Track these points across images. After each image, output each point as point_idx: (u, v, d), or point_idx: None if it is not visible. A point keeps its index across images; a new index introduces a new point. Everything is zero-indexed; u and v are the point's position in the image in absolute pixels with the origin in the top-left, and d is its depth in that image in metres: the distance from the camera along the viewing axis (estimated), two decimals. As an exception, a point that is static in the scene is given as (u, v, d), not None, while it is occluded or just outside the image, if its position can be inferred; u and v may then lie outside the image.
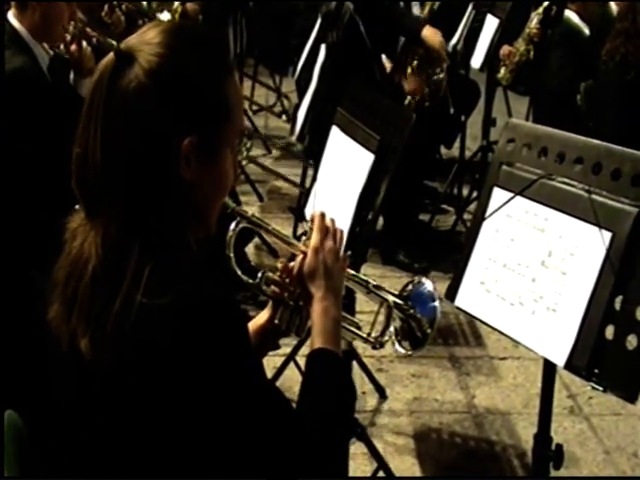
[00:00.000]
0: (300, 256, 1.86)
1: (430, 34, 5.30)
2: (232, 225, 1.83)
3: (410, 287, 2.08)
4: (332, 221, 1.91)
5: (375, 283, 2.07)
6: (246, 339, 1.56)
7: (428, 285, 2.08)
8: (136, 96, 1.52)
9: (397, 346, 2.07)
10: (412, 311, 2.05)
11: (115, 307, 1.49)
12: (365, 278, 2.07)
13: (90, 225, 1.57)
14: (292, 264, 1.88)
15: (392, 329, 2.05)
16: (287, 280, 1.89)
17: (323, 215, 1.91)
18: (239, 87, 1.67)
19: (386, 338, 2.06)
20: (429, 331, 2.04)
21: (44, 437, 1.80)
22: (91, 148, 1.54)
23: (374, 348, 2.08)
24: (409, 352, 2.08)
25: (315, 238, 1.86)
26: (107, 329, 1.50)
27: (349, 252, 1.95)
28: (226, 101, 1.60)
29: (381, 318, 2.06)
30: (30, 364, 1.82)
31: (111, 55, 1.56)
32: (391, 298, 2.04)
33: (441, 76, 5.53)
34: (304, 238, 1.88)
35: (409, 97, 5.36)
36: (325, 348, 1.76)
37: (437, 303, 2.06)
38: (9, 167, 3.26)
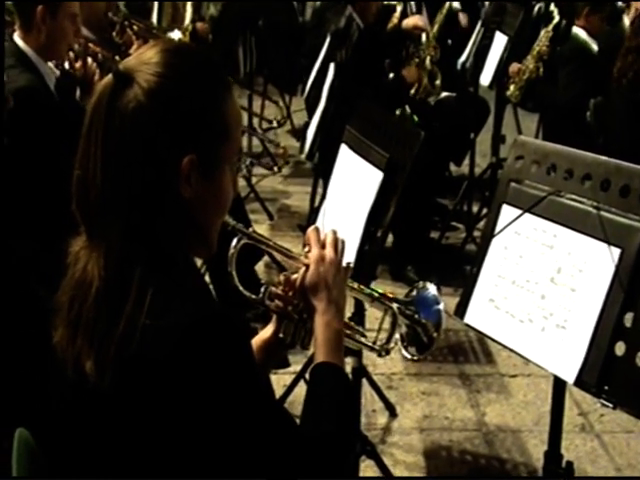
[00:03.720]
0: (302, 269, 1.87)
1: (406, 21, 5.65)
2: (233, 242, 1.84)
3: (414, 292, 2.09)
4: (334, 232, 1.91)
5: (378, 291, 2.08)
6: (249, 356, 1.57)
7: (431, 289, 2.09)
8: (135, 116, 1.52)
9: (404, 352, 2.07)
10: (417, 316, 2.06)
11: (119, 329, 1.50)
12: (368, 287, 2.08)
13: (92, 247, 1.58)
14: (294, 277, 1.88)
15: (398, 336, 2.06)
16: (290, 294, 1.89)
17: (316, 229, 1.91)
18: (237, 105, 1.67)
19: (392, 345, 2.06)
20: (435, 335, 2.05)
21: (51, 456, 1.80)
22: (91, 170, 1.54)
23: (380, 355, 2.09)
24: (415, 357, 2.09)
25: (314, 251, 1.86)
26: (111, 351, 1.50)
27: (351, 263, 1.94)
28: (225, 119, 1.61)
29: (387, 326, 2.07)
30: (39, 381, 1.83)
31: (110, 76, 1.57)
32: (395, 305, 2.05)
33: (432, 53, 5.79)
34: (305, 250, 1.89)
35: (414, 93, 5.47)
36: (327, 362, 1.77)
37: (441, 306, 2.07)
38: (18, 183, 3.27)
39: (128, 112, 1.53)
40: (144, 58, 1.58)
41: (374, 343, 2.09)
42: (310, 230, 1.92)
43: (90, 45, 3.95)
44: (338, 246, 1.90)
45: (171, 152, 1.54)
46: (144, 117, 1.53)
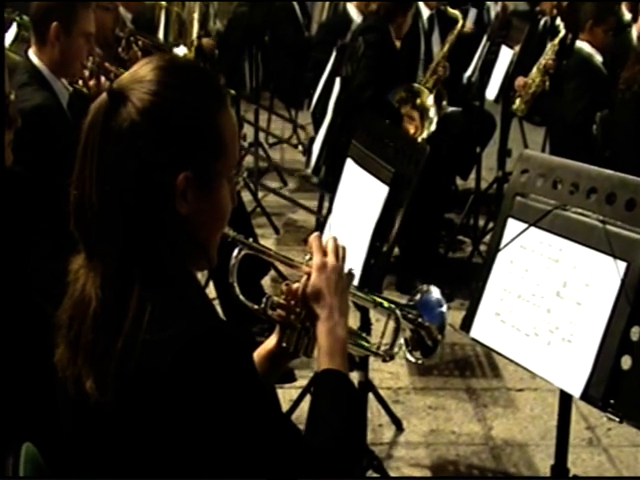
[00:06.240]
0: (304, 277, 1.86)
1: None
2: (234, 252, 1.84)
3: (417, 296, 2.09)
4: (334, 239, 1.91)
5: (381, 296, 2.08)
6: (250, 368, 1.57)
7: (434, 292, 2.09)
8: (129, 135, 1.53)
9: (408, 356, 2.08)
10: (420, 320, 2.06)
11: (118, 347, 1.50)
12: (370, 293, 2.08)
13: (90, 267, 1.58)
14: (296, 286, 1.88)
15: (402, 340, 2.06)
16: (292, 302, 1.89)
17: (318, 236, 1.91)
18: (233, 118, 1.67)
19: (396, 350, 2.06)
20: (439, 338, 2.05)
21: (57, 470, 1.80)
22: (87, 189, 1.55)
23: (384, 361, 2.09)
24: (420, 361, 2.09)
25: (317, 258, 1.86)
26: (111, 368, 1.50)
27: (353, 270, 1.94)
28: (220, 134, 1.61)
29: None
30: (43, 394, 1.83)
31: (104, 95, 1.57)
32: (398, 309, 2.05)
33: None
34: (307, 258, 1.89)
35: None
36: (331, 369, 1.77)
37: (444, 308, 2.07)
38: (29, 201, 3.27)
39: (122, 131, 1.53)
40: (138, 76, 1.59)
41: (378, 348, 2.09)
42: (312, 237, 1.91)
43: (106, 64, 3.97)
44: (339, 253, 1.89)
45: (166, 170, 1.54)
46: (138, 136, 1.53)
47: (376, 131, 3.25)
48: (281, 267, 1.98)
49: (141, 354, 1.48)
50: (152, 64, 1.61)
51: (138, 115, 1.53)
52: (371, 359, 3.47)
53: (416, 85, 5.66)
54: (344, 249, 1.91)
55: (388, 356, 2.08)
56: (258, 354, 1.92)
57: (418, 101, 5.54)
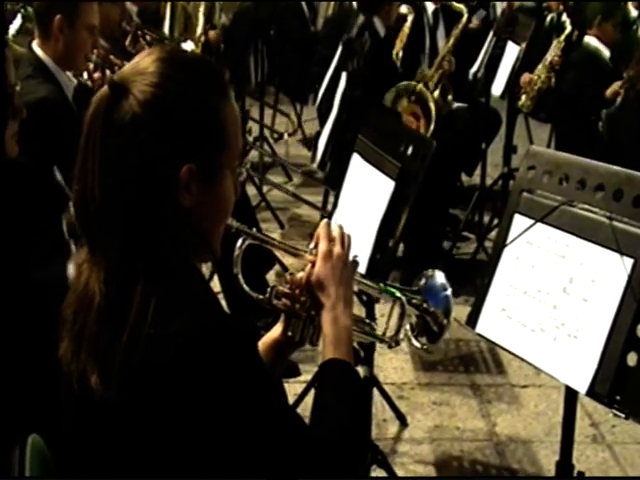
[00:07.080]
0: (308, 266, 1.86)
1: None
2: (238, 242, 1.83)
3: (422, 281, 2.08)
4: (340, 227, 1.90)
5: (386, 282, 2.08)
6: (256, 360, 1.57)
7: (439, 277, 2.08)
8: (131, 128, 1.52)
9: (414, 342, 2.07)
10: (425, 305, 2.05)
11: (122, 342, 1.49)
12: (374, 280, 2.08)
13: (93, 261, 1.58)
14: (300, 275, 1.87)
15: (407, 326, 2.06)
16: (297, 291, 1.88)
17: (328, 224, 1.90)
18: (236, 110, 1.66)
19: (401, 336, 2.06)
20: (445, 322, 2.04)
21: (63, 463, 1.80)
22: (89, 183, 1.54)
23: (390, 347, 2.08)
24: (425, 347, 2.08)
25: (322, 247, 1.85)
26: (115, 363, 1.50)
27: (357, 256, 1.93)
28: (223, 126, 1.60)
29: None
30: (49, 386, 1.83)
31: (105, 87, 1.56)
32: (403, 295, 2.05)
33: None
34: (311, 247, 1.88)
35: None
36: (336, 358, 1.76)
37: (449, 292, 2.06)
38: (33, 192, 3.27)
39: (124, 124, 1.52)
40: (139, 68, 1.58)
41: (383, 335, 2.08)
42: (322, 224, 1.90)
43: (111, 57, 3.96)
44: (345, 241, 1.88)
45: (169, 163, 1.53)
46: (140, 129, 1.52)
47: (382, 126, 3.24)
48: (285, 259, 1.97)
49: (145, 348, 1.48)
50: (153, 56, 1.60)
51: (140, 108, 1.52)
52: (376, 355, 3.48)
53: (404, 83, 5.67)
54: (349, 237, 1.90)
55: (394, 342, 2.06)
56: (263, 343, 1.92)
57: (414, 94, 5.57)
